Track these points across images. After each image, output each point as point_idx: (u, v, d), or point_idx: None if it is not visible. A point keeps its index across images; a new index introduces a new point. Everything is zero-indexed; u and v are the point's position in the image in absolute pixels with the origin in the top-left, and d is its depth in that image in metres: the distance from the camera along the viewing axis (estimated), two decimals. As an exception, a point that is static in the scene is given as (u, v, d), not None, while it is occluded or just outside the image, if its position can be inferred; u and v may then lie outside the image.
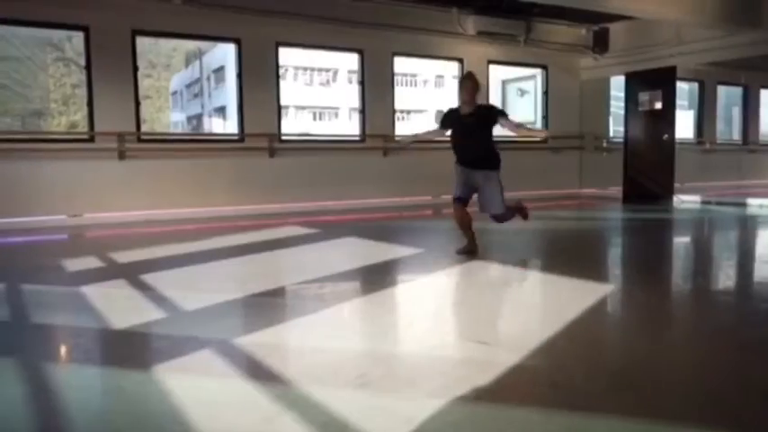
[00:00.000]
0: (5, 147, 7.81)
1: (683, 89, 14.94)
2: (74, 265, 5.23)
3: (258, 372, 2.60)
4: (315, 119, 39.20)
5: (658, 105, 11.02)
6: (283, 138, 9.46)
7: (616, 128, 14.18)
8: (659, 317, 3.69)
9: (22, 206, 7.55)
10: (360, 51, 9.90)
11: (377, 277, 4.85)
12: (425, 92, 41.16)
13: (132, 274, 4.65)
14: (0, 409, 2.32)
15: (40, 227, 7.42)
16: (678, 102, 11.66)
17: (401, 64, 10.90)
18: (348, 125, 33.14)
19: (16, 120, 26.84)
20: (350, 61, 11.63)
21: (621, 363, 2.84)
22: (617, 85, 13.04)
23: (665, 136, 11.06)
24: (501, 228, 6.00)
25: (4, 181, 7.42)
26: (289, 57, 9.58)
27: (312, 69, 39.01)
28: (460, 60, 10.88)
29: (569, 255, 5.95)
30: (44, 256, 5.85)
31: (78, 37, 8.44)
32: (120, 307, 3.77)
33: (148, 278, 4.51)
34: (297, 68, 37.49)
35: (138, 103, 8.35)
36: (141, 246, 6.19)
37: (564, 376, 2.58)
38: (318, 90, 39.47)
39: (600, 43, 11.54)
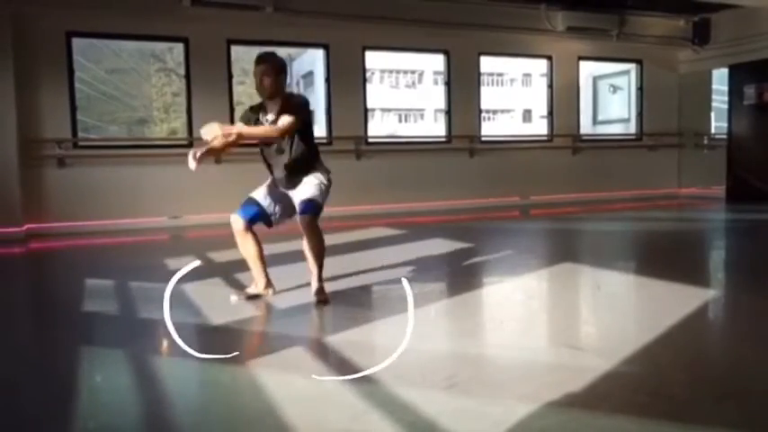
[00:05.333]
0: (113, 153, 8.40)
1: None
2: (175, 263, 5.52)
3: (347, 370, 2.65)
4: (400, 121, 39.42)
5: (767, 99, 10.28)
6: (370, 140, 9.58)
7: (718, 124, 13.36)
8: (766, 324, 3.44)
9: (127, 208, 8.06)
10: (446, 52, 9.87)
11: (464, 278, 4.81)
12: (512, 91, 40.46)
13: (228, 273, 4.85)
14: (110, 395, 2.50)
15: (143, 228, 7.90)
16: (789, 94, 10.80)
17: (487, 63, 10.77)
18: (434, 126, 33.10)
19: (123, 128, 28.70)
20: (436, 62, 11.62)
21: (724, 371, 2.67)
22: (719, 78, 12.28)
23: (775, 131, 10.29)
24: (592, 229, 5.79)
25: (111, 185, 7.95)
26: (375, 60, 9.71)
27: (398, 72, 39.24)
28: (549, 58, 10.61)
29: (667, 257, 5.66)
30: (148, 256, 6.22)
31: (178, 48, 8.95)
32: (216, 304, 3.94)
33: (243, 277, 4.69)
34: (383, 71, 37.83)
35: (232, 110, 8.71)
36: (236, 246, 6.44)
37: (662, 384, 2.45)
38: (404, 92, 39.65)
39: (700, 35, 10.90)
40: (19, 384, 2.65)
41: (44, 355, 2.93)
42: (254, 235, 4.00)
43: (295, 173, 3.95)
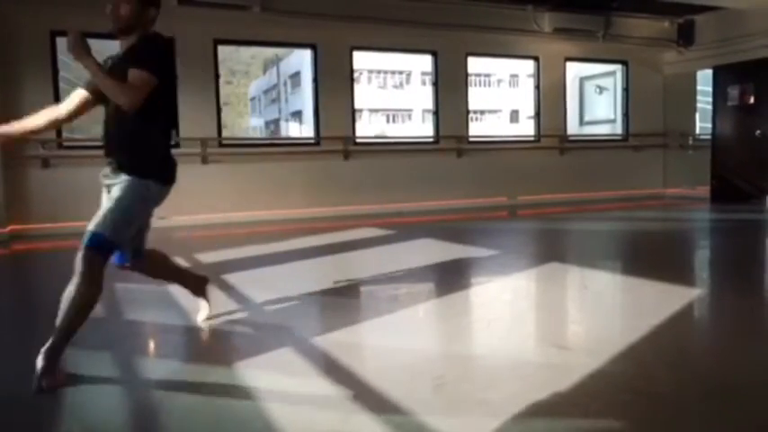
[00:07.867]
0: (99, 153, 8.25)
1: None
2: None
3: (335, 371, 2.64)
4: (388, 121, 39.49)
5: (750, 100, 10.40)
6: (358, 141, 9.58)
7: (702, 124, 13.48)
8: (751, 323, 3.48)
9: (114, 209, 7.97)
10: (433, 53, 9.88)
11: (452, 278, 4.83)
12: (500, 91, 40.68)
13: (215, 274, 4.82)
14: (93, 398, 2.47)
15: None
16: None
17: (475, 64, 10.79)
18: (421, 127, 33.17)
19: (108, 128, 28.46)
20: (423, 63, 11.65)
21: (708, 369, 2.70)
22: (704, 79, 12.39)
23: (758, 132, 10.41)
24: (579, 229, 5.83)
25: (96, 186, 7.81)
26: (363, 60, 9.74)
27: (386, 72, 39.32)
28: (536, 59, 10.67)
29: (653, 257, 5.71)
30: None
31: (164, 48, 8.85)
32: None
33: (230, 278, 4.67)
34: (371, 72, 37.90)
35: (219, 110, 8.67)
36: (223, 247, 6.42)
37: (648, 383, 2.47)
38: (392, 92, 39.73)
39: (685, 36, 11.01)
40: (1, 388, 2.62)
41: (27, 357, 2.89)
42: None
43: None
